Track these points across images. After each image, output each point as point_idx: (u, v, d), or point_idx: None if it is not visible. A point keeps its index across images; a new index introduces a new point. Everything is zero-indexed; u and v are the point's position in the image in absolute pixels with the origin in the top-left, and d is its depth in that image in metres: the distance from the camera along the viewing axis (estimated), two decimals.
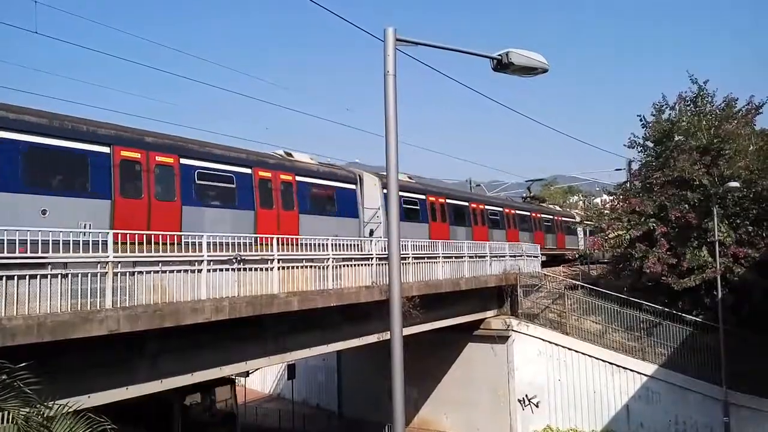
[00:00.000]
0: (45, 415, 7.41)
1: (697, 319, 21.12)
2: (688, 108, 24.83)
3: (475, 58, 7.02)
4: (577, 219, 43.04)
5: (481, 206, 29.62)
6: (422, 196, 24.36)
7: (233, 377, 20.36)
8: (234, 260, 12.42)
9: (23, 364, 7.21)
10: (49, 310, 9.07)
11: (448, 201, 26.14)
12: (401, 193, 20.63)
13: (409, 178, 25.22)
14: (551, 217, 39.04)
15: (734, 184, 19.49)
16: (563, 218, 41.29)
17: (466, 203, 28.44)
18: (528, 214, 35.21)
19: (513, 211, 33.03)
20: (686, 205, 22.16)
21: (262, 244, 13.61)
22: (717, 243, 19.98)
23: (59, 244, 9.38)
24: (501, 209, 31.93)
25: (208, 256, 11.83)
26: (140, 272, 10.58)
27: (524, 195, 42.81)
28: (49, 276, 9.15)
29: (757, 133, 24.74)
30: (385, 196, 19.42)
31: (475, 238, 26.35)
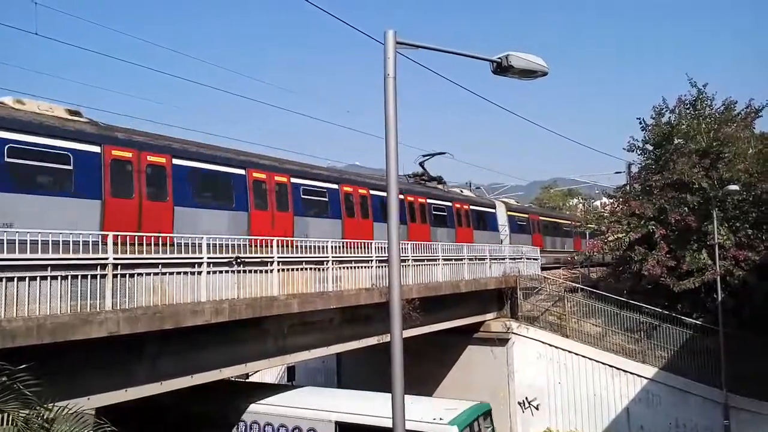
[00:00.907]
0: (45, 417, 7.41)
1: (697, 321, 21.11)
2: (688, 111, 24.87)
3: (476, 60, 7.03)
4: (500, 209, 32.12)
5: (282, 179, 17.25)
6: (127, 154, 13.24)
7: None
8: (233, 262, 12.43)
9: (23, 366, 7.21)
10: (48, 312, 9.07)
11: (176, 162, 14.32)
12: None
13: None
14: (447, 204, 26.50)
15: (734, 187, 19.51)
16: (473, 207, 28.86)
17: (239, 171, 16.05)
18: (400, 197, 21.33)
19: (363, 192, 20.91)
20: (686, 208, 22.17)
21: None
22: (717, 246, 19.98)
23: (59, 245, 9.38)
24: (334, 188, 19.53)
25: (207, 258, 11.84)
26: (140, 274, 10.59)
27: (411, 174, 27.99)
28: (48, 277, 9.15)
29: (756, 136, 24.77)
30: None
31: (254, 232, 15.31)
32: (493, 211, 31.24)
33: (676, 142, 23.78)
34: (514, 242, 30.35)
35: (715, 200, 20.54)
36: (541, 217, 37.82)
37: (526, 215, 35.81)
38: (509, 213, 32.97)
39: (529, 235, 34.57)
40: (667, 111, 25.05)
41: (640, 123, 25.28)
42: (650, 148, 25.53)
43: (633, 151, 25.98)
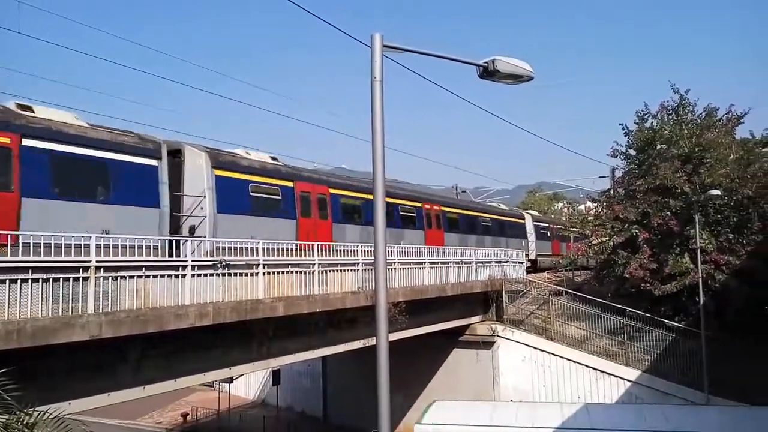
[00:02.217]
0: (25, 422, 7.29)
1: (679, 325, 21.37)
2: (670, 117, 25.24)
3: (462, 64, 7.06)
4: (193, 162, 15.74)
5: None
6: None
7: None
8: (218, 265, 12.34)
9: (3, 370, 7.09)
10: (29, 315, 8.93)
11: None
12: None
13: None
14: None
15: (715, 192, 19.81)
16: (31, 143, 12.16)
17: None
18: None
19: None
20: (668, 213, 22.45)
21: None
22: (699, 250, 20.24)
23: (40, 247, 9.24)
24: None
25: (192, 261, 11.75)
26: (123, 277, 10.47)
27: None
28: (29, 280, 9.01)
29: (737, 142, 25.18)
30: None
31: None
32: (135, 162, 13.93)
33: (658, 147, 24.10)
34: (229, 232, 14.78)
35: (697, 205, 20.82)
36: (336, 191, 20.07)
37: (289, 184, 18.06)
38: (222, 174, 15.94)
39: (292, 219, 17.83)
40: (649, 116, 25.41)
41: (623, 129, 25.60)
42: (633, 153, 25.83)
43: (617, 156, 26.30)
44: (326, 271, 15.38)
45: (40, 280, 9.15)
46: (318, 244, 15.47)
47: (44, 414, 7.62)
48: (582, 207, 42.85)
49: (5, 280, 8.73)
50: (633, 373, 20.86)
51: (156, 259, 11.19)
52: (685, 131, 24.00)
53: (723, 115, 24.98)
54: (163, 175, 14.30)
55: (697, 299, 20.48)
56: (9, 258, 8.85)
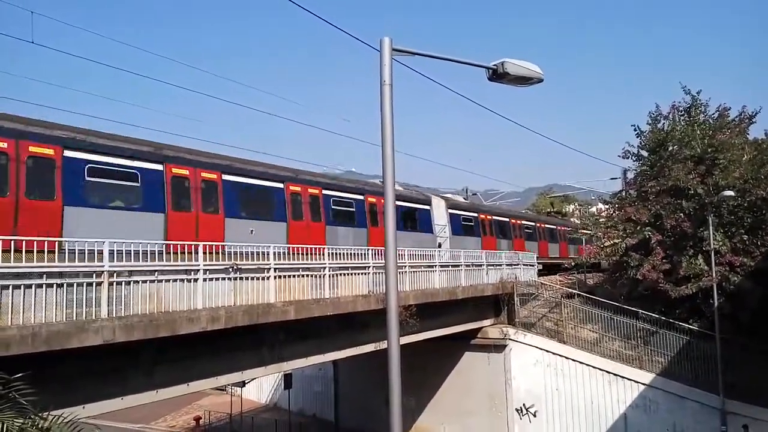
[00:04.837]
0: (40, 426, 7.37)
1: (694, 327, 21.15)
2: (682, 118, 25.02)
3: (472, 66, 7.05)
4: None
5: None
6: None
7: None
8: (230, 269, 12.40)
9: (18, 374, 7.17)
10: (44, 320, 9.03)
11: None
12: None
13: None
14: None
15: (729, 193, 19.56)
16: None
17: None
18: None
19: None
20: (681, 214, 22.23)
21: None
22: (713, 252, 20.02)
23: (54, 253, 9.34)
24: None
25: (204, 265, 11.81)
26: (136, 282, 10.55)
27: None
28: (44, 285, 9.11)
29: (750, 142, 24.89)
30: None
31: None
32: None
33: (671, 148, 23.88)
34: None
35: (711, 206, 20.61)
36: None
37: None
38: None
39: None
40: (661, 117, 25.19)
41: (635, 130, 25.41)
42: (645, 154, 25.62)
43: (628, 157, 26.06)
44: (337, 275, 15.40)
45: (55, 285, 9.25)
46: (329, 248, 15.49)
47: (59, 418, 7.69)
48: (593, 209, 42.31)
49: (20, 285, 8.83)
50: (647, 376, 20.66)
51: (168, 263, 11.27)
52: (698, 132, 23.76)
53: (735, 117, 24.73)
54: None
55: (711, 301, 20.26)
56: (24, 264, 8.95)
